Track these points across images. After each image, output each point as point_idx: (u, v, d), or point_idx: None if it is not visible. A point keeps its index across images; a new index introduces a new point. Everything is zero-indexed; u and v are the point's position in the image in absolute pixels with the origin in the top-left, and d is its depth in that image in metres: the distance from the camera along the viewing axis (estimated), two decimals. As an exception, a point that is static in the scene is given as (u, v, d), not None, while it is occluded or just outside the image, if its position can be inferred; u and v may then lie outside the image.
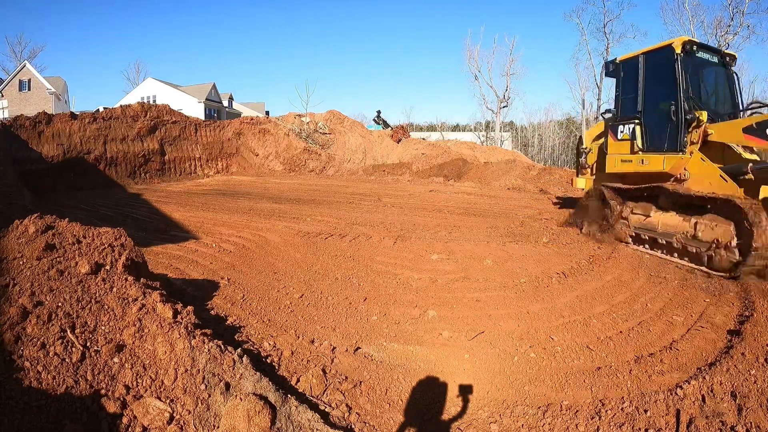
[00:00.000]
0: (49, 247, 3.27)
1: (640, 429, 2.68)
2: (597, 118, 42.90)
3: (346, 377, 3.24)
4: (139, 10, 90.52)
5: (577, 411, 2.91)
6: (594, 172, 8.25)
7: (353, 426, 2.79)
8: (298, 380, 3.13)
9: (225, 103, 51.32)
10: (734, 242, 5.32)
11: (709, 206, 5.73)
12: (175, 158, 19.46)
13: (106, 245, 3.49)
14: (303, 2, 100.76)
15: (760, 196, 5.19)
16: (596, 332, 3.96)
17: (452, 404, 3.08)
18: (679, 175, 6.36)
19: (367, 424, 2.82)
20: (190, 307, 3.17)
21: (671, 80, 6.33)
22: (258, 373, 2.65)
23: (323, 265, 5.73)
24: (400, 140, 21.69)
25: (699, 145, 6.09)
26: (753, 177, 5.51)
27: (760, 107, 6.61)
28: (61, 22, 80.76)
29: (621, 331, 3.95)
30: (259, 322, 4.03)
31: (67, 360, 2.52)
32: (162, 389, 2.55)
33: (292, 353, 3.48)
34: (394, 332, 3.97)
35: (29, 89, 38.94)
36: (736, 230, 5.31)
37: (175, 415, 2.44)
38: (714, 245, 5.50)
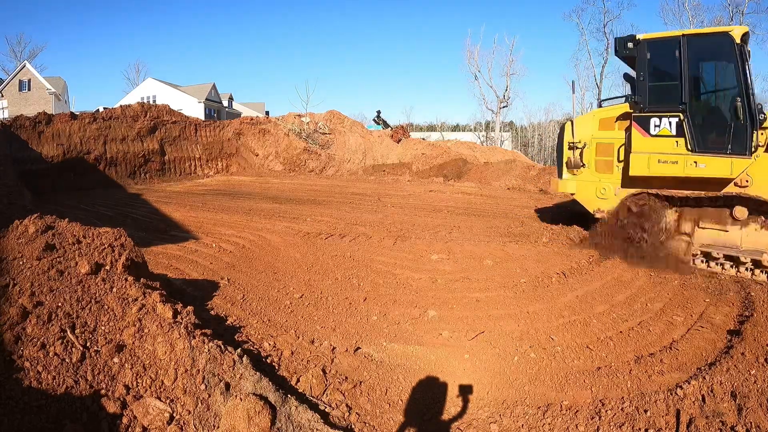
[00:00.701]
0: (49, 247, 3.27)
1: (640, 429, 2.68)
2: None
3: (346, 377, 3.24)
4: (139, 10, 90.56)
5: (577, 411, 2.91)
6: (596, 173, 6.76)
7: (353, 426, 2.79)
8: (298, 380, 3.13)
9: (225, 103, 51.32)
10: None
11: None
12: (175, 158, 19.45)
13: (106, 245, 3.49)
14: (303, 2, 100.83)
15: None
16: (596, 332, 3.96)
17: (452, 404, 3.08)
18: (740, 182, 5.60)
19: (367, 424, 2.82)
20: (190, 307, 3.17)
21: (732, 72, 5.62)
22: (258, 373, 2.65)
23: (323, 265, 5.73)
24: (400, 140, 21.69)
25: (765, 148, 5.47)
26: None
27: None
28: (61, 22, 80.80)
29: (621, 331, 3.95)
30: (259, 322, 4.03)
31: (67, 360, 2.52)
32: (162, 389, 2.55)
33: (292, 353, 3.48)
34: (394, 332, 3.97)
35: (29, 89, 38.94)
36: None
37: (175, 415, 2.44)
38: None
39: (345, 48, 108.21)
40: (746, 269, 5.41)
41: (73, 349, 2.58)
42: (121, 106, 19.07)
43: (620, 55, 6.49)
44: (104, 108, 19.51)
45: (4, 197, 7.19)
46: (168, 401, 2.49)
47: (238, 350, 2.83)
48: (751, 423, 2.56)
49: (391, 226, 8.15)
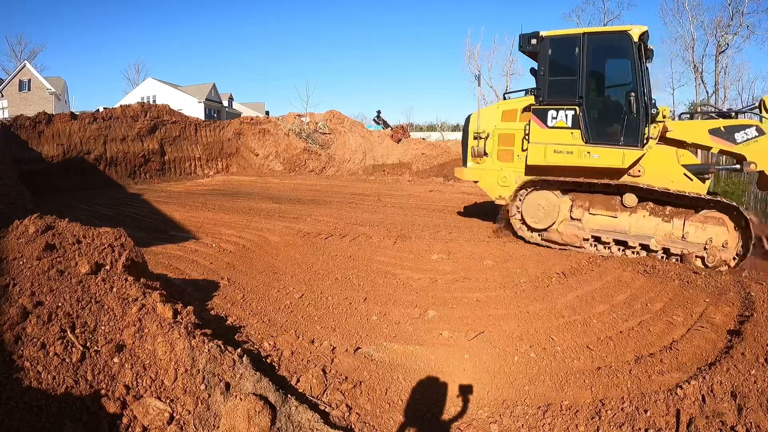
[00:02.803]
0: (49, 247, 3.27)
1: (640, 429, 2.68)
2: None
3: (346, 377, 3.24)
4: (139, 10, 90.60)
5: (577, 411, 2.91)
6: (498, 161, 7.04)
7: (353, 426, 2.79)
8: (298, 380, 3.13)
9: (225, 103, 51.33)
10: (729, 241, 5.47)
11: (698, 205, 5.73)
12: (175, 158, 19.46)
13: (106, 245, 3.49)
14: (303, 2, 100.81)
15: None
16: (596, 332, 3.96)
17: (452, 404, 3.08)
18: (633, 171, 6.10)
19: (367, 424, 2.82)
20: (190, 307, 3.17)
21: (628, 69, 5.96)
22: (258, 373, 2.65)
23: (323, 265, 5.73)
24: (400, 140, 21.69)
25: (656, 141, 5.95)
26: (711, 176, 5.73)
27: (713, 111, 6.59)
28: (61, 22, 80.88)
29: (621, 331, 3.94)
30: (259, 322, 4.03)
31: (67, 360, 2.52)
32: (162, 389, 2.55)
33: (292, 353, 3.48)
34: (394, 332, 3.97)
35: (29, 89, 38.95)
36: (732, 230, 5.46)
37: (175, 415, 2.44)
38: (707, 245, 5.58)
39: (345, 48, 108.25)
40: (634, 252, 5.93)
41: (73, 349, 2.58)
42: (121, 106, 19.07)
43: (523, 51, 6.71)
44: (104, 108, 19.52)
45: (4, 197, 7.19)
46: (168, 401, 2.49)
47: (238, 350, 2.83)
48: (751, 423, 2.56)
49: (391, 226, 8.14)
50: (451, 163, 19.42)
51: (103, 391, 2.46)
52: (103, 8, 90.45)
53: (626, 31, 5.90)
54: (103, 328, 2.78)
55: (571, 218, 6.40)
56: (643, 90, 5.87)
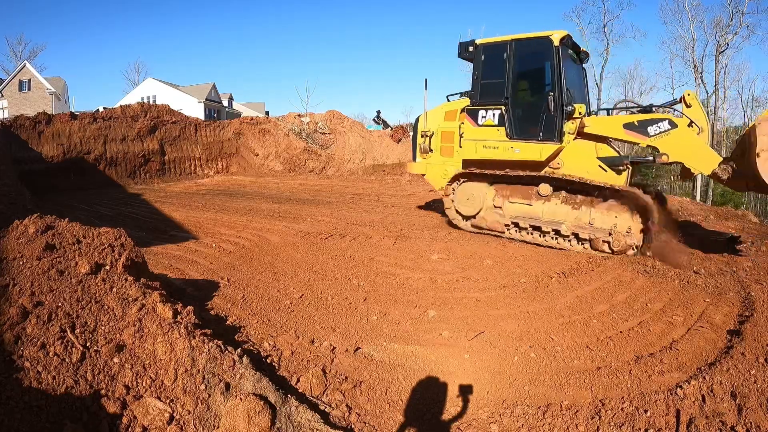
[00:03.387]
0: (49, 247, 3.27)
1: (640, 429, 2.68)
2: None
3: (346, 377, 3.24)
4: (139, 10, 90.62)
5: (577, 411, 2.91)
6: (441, 156, 7.74)
7: (353, 426, 2.79)
8: (298, 380, 3.13)
9: (225, 103, 51.33)
10: (633, 227, 5.94)
11: (606, 193, 6.19)
12: (175, 158, 19.46)
13: (106, 245, 3.49)
14: (303, 2, 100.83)
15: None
16: (596, 332, 3.96)
17: (452, 404, 3.08)
18: (553, 164, 6.68)
19: (367, 424, 2.82)
20: (190, 307, 3.17)
21: (548, 71, 6.48)
22: (258, 373, 2.65)
23: (323, 265, 5.73)
24: (400, 140, 21.69)
25: (574, 133, 6.44)
26: (629, 167, 6.34)
27: (631, 107, 7.02)
28: (61, 22, 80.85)
29: (621, 331, 3.94)
30: (259, 322, 4.03)
31: (67, 360, 2.52)
32: (162, 389, 2.55)
33: (292, 353, 3.48)
34: (394, 332, 3.97)
35: (29, 89, 38.94)
36: (635, 216, 5.93)
37: (175, 415, 2.44)
38: (614, 230, 6.06)
39: (345, 48, 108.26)
40: (550, 237, 6.54)
41: (73, 349, 2.58)
42: (121, 106, 19.07)
43: (462, 57, 7.39)
44: (104, 108, 19.51)
45: (5, 197, 7.19)
46: (168, 401, 2.49)
47: (238, 350, 2.83)
48: (751, 423, 2.56)
49: (391, 226, 8.14)
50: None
51: (103, 391, 2.46)
52: (103, 8, 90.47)
53: (547, 36, 6.44)
54: (103, 328, 2.78)
55: (494, 206, 7.09)
56: (561, 90, 6.34)
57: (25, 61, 42.31)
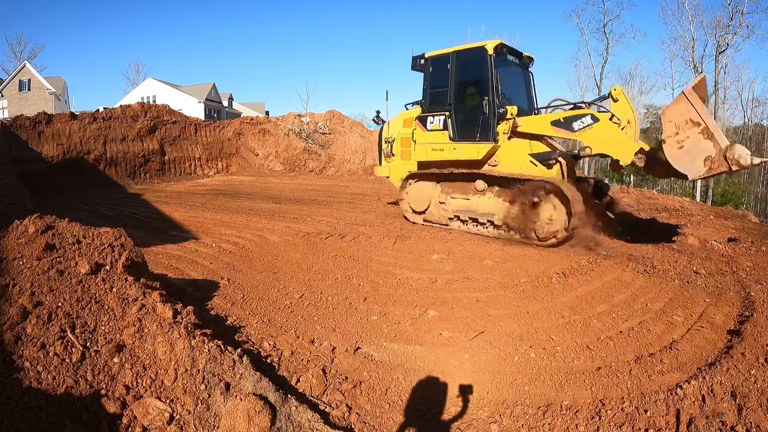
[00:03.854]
0: (49, 248, 3.27)
1: (640, 429, 2.68)
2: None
3: (346, 377, 3.24)
4: (139, 10, 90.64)
5: (577, 411, 2.91)
6: (401, 160, 8.56)
7: (353, 426, 2.79)
8: (298, 380, 3.13)
9: (225, 103, 51.33)
10: (554, 216, 6.44)
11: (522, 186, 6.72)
12: (175, 158, 19.46)
13: (106, 245, 3.49)
14: (303, 2, 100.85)
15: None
16: (596, 332, 3.96)
17: (452, 404, 3.08)
18: (491, 162, 7.34)
19: (367, 424, 2.82)
20: (190, 307, 3.17)
21: (483, 78, 7.07)
22: (258, 373, 2.65)
23: (323, 265, 5.73)
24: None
25: (509, 135, 7.07)
26: (558, 161, 6.86)
27: (562, 105, 7.45)
28: (61, 22, 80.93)
29: (621, 331, 3.94)
30: (259, 322, 4.03)
31: (67, 360, 2.52)
32: (162, 389, 2.55)
33: (292, 353, 3.48)
34: (394, 332, 3.97)
35: (29, 89, 38.94)
36: (556, 206, 6.42)
37: (175, 415, 2.44)
38: (537, 221, 6.60)
39: (345, 48, 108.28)
40: (485, 227, 7.23)
41: (73, 349, 2.58)
42: (121, 106, 19.08)
43: (414, 69, 8.10)
44: (104, 108, 19.52)
45: (5, 197, 7.19)
46: (168, 401, 2.49)
47: (238, 350, 2.83)
48: (751, 423, 2.56)
49: (391, 226, 8.14)
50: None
51: (103, 391, 2.46)
52: (103, 8, 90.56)
53: (482, 46, 7.10)
54: (103, 328, 2.78)
55: (440, 202, 7.82)
56: (495, 94, 6.96)
57: (25, 61, 42.34)
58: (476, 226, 7.36)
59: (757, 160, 5.32)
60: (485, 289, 4.94)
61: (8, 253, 3.21)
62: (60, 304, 2.81)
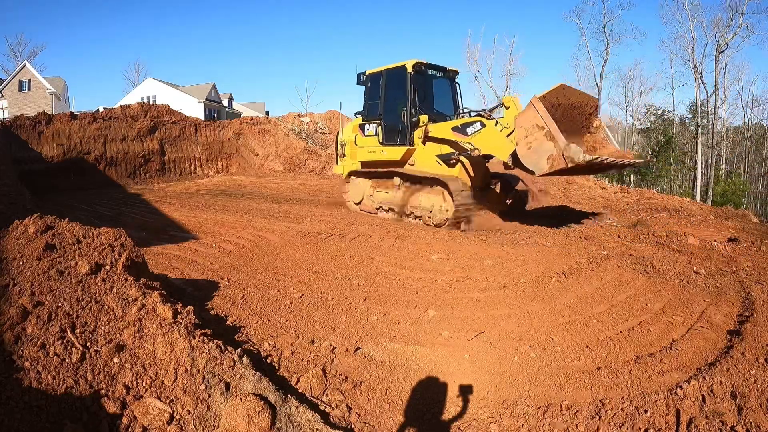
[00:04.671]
0: (49, 247, 3.27)
1: (640, 429, 2.68)
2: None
3: (346, 377, 3.24)
4: (139, 10, 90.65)
5: (577, 411, 2.91)
6: (350, 160, 10.04)
7: (353, 426, 2.79)
8: (298, 380, 3.13)
9: (225, 103, 51.32)
10: (444, 204, 7.78)
11: (429, 182, 8.09)
12: (175, 158, 19.46)
13: (106, 245, 3.49)
14: (303, 2, 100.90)
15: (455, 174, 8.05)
16: (596, 332, 3.96)
17: (452, 404, 3.08)
18: (408, 162, 8.73)
19: (367, 424, 2.82)
20: (190, 307, 3.17)
21: (403, 92, 8.43)
22: (258, 373, 2.65)
23: (323, 265, 5.73)
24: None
25: (423, 140, 8.33)
26: (458, 161, 8.03)
27: (468, 112, 8.59)
28: (61, 22, 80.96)
29: (621, 331, 3.94)
30: (259, 322, 4.03)
31: (67, 360, 2.52)
32: (162, 389, 2.55)
33: (292, 353, 3.48)
34: (394, 332, 3.97)
35: (29, 89, 38.92)
36: (446, 197, 7.72)
37: (175, 415, 2.44)
38: (433, 209, 8.02)
39: (345, 48, 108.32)
40: (407, 216, 8.59)
41: (73, 349, 2.58)
42: (121, 106, 19.08)
43: (359, 84, 9.53)
44: (104, 108, 19.53)
45: (5, 197, 7.19)
46: (168, 401, 2.49)
47: (238, 350, 2.83)
48: (751, 423, 2.56)
49: (390, 225, 8.14)
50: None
51: (103, 391, 2.46)
52: (104, 8, 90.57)
53: (403, 65, 8.42)
54: (103, 328, 2.78)
55: (370, 195, 9.46)
56: (411, 106, 8.31)
57: (25, 61, 42.32)
58: (403, 215, 8.79)
59: (588, 157, 5.95)
60: (485, 289, 4.93)
61: (8, 253, 3.21)
62: (60, 304, 2.81)
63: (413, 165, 8.65)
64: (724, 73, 34.49)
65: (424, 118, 8.21)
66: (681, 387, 2.90)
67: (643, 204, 10.98)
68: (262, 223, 8.34)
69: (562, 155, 5.98)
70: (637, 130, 46.12)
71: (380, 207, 9.14)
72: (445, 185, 7.73)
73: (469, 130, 7.59)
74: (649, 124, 46.79)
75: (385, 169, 8.98)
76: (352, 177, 9.93)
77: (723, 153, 38.98)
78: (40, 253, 3.19)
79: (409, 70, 8.24)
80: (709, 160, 32.94)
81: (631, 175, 35.35)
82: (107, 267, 3.27)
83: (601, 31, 38.07)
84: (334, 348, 3.61)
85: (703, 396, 2.78)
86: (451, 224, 7.69)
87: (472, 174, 8.19)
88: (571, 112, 6.90)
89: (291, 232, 7.47)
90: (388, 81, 8.79)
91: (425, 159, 8.41)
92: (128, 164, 17.67)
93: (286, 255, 6.21)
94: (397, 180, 8.71)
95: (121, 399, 2.45)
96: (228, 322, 3.98)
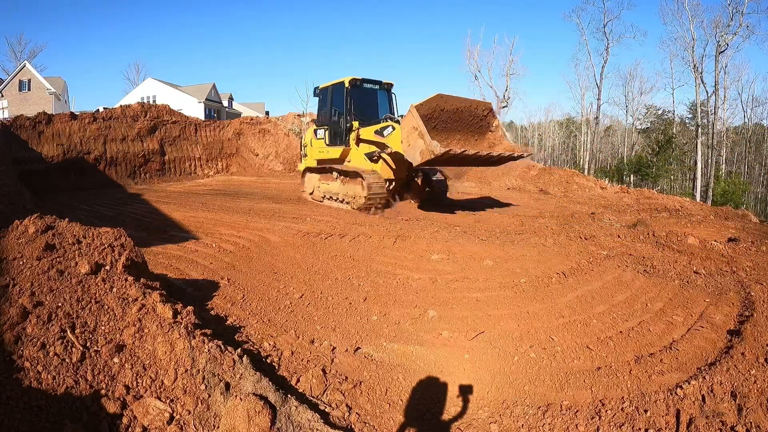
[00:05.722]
0: (49, 247, 3.27)
1: (640, 429, 2.68)
2: (596, 117, 42.93)
3: (346, 377, 3.24)
4: (138, 10, 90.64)
5: (577, 411, 2.91)
6: (310, 159, 11.89)
7: (353, 426, 2.79)
8: (298, 380, 3.13)
9: (225, 103, 51.30)
10: (363, 193, 9.36)
11: (353, 175, 9.77)
12: (175, 158, 19.46)
13: (106, 245, 3.49)
14: (303, 2, 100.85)
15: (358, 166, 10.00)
16: (596, 332, 3.96)
17: (452, 404, 3.08)
18: (346, 160, 10.50)
19: (367, 424, 2.82)
20: (190, 307, 3.17)
21: (342, 103, 10.28)
22: (258, 373, 2.65)
23: (323, 265, 5.73)
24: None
25: (356, 141, 10.00)
26: (380, 158, 9.62)
27: (389, 118, 10.06)
28: (61, 22, 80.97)
29: (621, 331, 3.94)
30: (259, 322, 4.02)
31: (67, 360, 2.52)
32: (162, 389, 2.55)
33: (292, 353, 3.48)
34: (394, 332, 3.97)
35: (29, 89, 38.92)
36: (363, 187, 9.34)
37: (175, 415, 2.44)
38: (353, 196, 9.77)
39: (345, 48, 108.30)
40: (340, 203, 10.33)
41: (73, 349, 2.58)
42: (121, 106, 19.07)
43: (315, 96, 11.40)
44: (104, 108, 19.52)
45: (5, 197, 7.19)
46: (168, 401, 2.49)
47: (238, 350, 2.83)
48: (751, 423, 2.56)
49: (390, 225, 8.14)
50: (451, 163, 19.36)
51: (103, 391, 2.46)
52: (103, 8, 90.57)
53: (342, 81, 10.23)
54: (103, 328, 2.78)
55: (317, 187, 11.37)
56: (347, 114, 10.15)
57: (25, 61, 42.32)
58: (334, 201, 10.60)
59: (442, 150, 7.45)
60: (485, 289, 4.94)
61: (8, 253, 3.21)
62: (60, 304, 2.81)
63: (349, 162, 10.37)
64: (724, 73, 34.52)
65: (356, 123, 10.02)
66: (681, 387, 2.90)
67: (643, 204, 10.99)
68: (262, 223, 8.34)
69: (428, 149, 7.57)
70: (637, 130, 46.15)
71: (324, 196, 11.05)
72: (362, 177, 9.42)
73: (385, 133, 9.29)
74: (649, 124, 46.83)
75: (328, 166, 10.85)
76: (307, 173, 11.89)
77: (723, 153, 39.00)
78: (40, 253, 3.19)
79: (347, 85, 10.10)
80: (709, 160, 32.95)
81: (631, 175, 35.37)
82: (107, 267, 3.27)
83: (601, 31, 38.10)
84: (334, 348, 3.61)
85: (703, 396, 2.78)
86: (365, 208, 9.42)
87: (393, 167, 9.73)
88: (461, 115, 8.65)
89: (291, 232, 7.47)
90: (332, 94, 10.64)
91: (357, 157, 10.15)
92: (128, 164, 17.66)
93: (286, 255, 6.21)
94: (334, 174, 10.55)
95: (121, 399, 2.45)
96: (228, 322, 3.98)
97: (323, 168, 11.08)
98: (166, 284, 4.10)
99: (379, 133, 9.40)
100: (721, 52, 31.95)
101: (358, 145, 10.02)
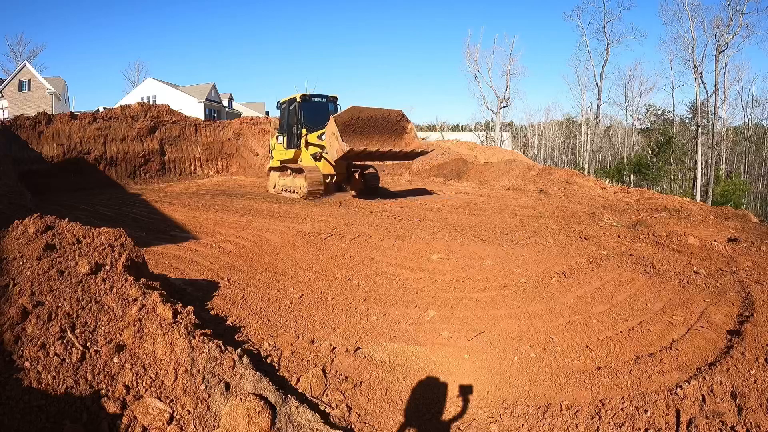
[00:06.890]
0: (49, 247, 3.27)
1: (640, 429, 2.68)
2: (596, 117, 42.92)
3: (346, 377, 3.24)
4: (139, 10, 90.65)
5: (577, 411, 2.91)
6: (276, 160, 14.10)
7: (353, 426, 2.79)
8: (298, 380, 3.13)
9: (225, 103, 51.29)
10: (305, 184, 11.53)
11: (299, 171, 12.00)
12: (175, 158, 19.45)
13: (106, 245, 3.49)
14: (303, 2, 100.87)
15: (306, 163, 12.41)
16: (596, 332, 3.96)
17: (452, 404, 3.08)
18: (299, 159, 12.65)
19: (367, 424, 2.82)
20: (190, 307, 3.17)
21: (294, 115, 12.56)
22: (258, 373, 2.65)
23: (323, 265, 5.73)
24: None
25: (305, 144, 12.11)
26: (322, 157, 11.75)
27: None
28: (61, 22, 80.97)
29: (621, 331, 3.94)
30: (259, 322, 4.02)
31: (67, 360, 2.52)
32: (162, 389, 2.55)
33: (292, 353, 3.48)
34: (394, 332, 3.97)
35: (29, 89, 38.92)
36: (306, 179, 11.50)
37: (175, 415, 2.44)
38: (299, 187, 11.93)
39: (345, 48, 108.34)
40: (292, 193, 12.45)
41: (73, 349, 2.58)
42: (121, 106, 19.07)
43: (277, 108, 13.77)
44: (104, 108, 19.51)
45: (5, 197, 7.19)
46: (168, 401, 2.49)
47: (238, 350, 2.83)
48: (751, 423, 2.56)
49: (390, 225, 8.14)
50: (451, 163, 19.43)
51: (103, 391, 2.46)
52: (104, 8, 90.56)
53: (295, 97, 12.52)
54: (103, 328, 2.78)
55: (277, 182, 13.61)
56: (300, 123, 12.37)
57: (25, 61, 42.34)
58: (287, 193, 12.71)
59: (347, 147, 9.65)
60: (485, 289, 4.94)
61: (8, 253, 3.21)
62: (60, 304, 2.81)
63: (300, 161, 12.55)
64: (724, 73, 34.55)
65: (305, 130, 12.16)
66: (681, 387, 2.90)
67: (643, 204, 10.98)
68: (262, 223, 8.34)
69: (340, 148, 9.80)
70: (637, 130, 46.15)
71: (282, 189, 13.12)
72: (305, 172, 11.61)
73: (323, 137, 11.14)
74: (649, 124, 46.83)
75: (286, 165, 13.07)
76: (271, 171, 14.21)
77: (723, 153, 39.01)
78: (40, 253, 3.19)
79: (298, 100, 12.40)
80: (709, 160, 32.96)
81: (631, 175, 35.36)
82: (107, 267, 3.27)
83: (601, 31, 38.12)
84: (334, 348, 3.61)
85: (703, 396, 2.78)
86: (307, 196, 11.54)
87: (333, 164, 11.57)
88: (377, 121, 10.75)
89: (291, 232, 7.47)
90: (288, 106, 12.95)
91: (305, 157, 12.34)
92: (128, 164, 17.66)
93: (286, 255, 6.21)
94: (288, 171, 12.76)
95: (121, 399, 2.45)
96: (228, 322, 3.98)
97: (283, 167, 13.20)
98: (166, 284, 4.10)
99: (320, 137, 11.44)
100: (721, 51, 31.98)
101: (306, 148, 12.12)
